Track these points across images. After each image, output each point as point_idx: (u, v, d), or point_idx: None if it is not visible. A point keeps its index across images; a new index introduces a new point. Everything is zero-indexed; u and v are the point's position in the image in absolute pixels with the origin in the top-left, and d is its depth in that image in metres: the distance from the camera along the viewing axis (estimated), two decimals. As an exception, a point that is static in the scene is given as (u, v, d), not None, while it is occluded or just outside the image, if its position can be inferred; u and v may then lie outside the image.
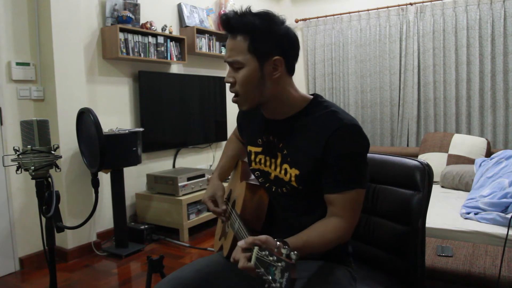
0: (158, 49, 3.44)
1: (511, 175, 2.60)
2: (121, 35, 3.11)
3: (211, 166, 4.27)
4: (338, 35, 4.85)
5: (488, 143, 3.70)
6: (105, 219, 3.22)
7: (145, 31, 3.31)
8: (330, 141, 1.04)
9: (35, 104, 2.79)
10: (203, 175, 3.48)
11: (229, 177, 1.50)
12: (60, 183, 2.78)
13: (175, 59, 3.58)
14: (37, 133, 1.37)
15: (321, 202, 1.09)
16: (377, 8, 4.55)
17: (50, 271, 1.46)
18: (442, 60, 4.27)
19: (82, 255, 2.89)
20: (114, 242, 3.05)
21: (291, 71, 1.12)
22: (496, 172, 2.81)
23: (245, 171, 1.37)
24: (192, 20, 3.90)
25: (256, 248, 0.83)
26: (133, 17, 3.21)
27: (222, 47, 4.16)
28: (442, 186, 3.39)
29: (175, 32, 3.76)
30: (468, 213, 2.46)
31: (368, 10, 4.61)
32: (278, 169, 1.15)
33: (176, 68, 3.86)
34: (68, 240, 2.83)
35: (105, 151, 1.77)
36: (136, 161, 2.99)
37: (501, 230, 2.20)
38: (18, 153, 1.37)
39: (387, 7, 4.49)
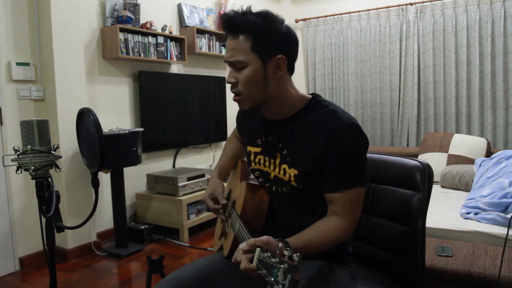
0: (158, 49, 3.44)
1: (511, 175, 2.60)
2: (121, 35, 3.11)
3: (211, 166, 4.27)
4: (338, 35, 4.85)
5: (488, 143, 3.70)
6: (105, 219, 3.22)
7: (145, 31, 3.31)
8: (329, 140, 1.04)
9: (35, 104, 2.79)
10: (203, 175, 3.48)
11: (229, 176, 1.50)
12: (60, 183, 2.78)
13: (175, 59, 3.58)
14: (37, 133, 1.37)
15: (321, 201, 1.09)
16: (377, 8, 4.55)
17: (50, 271, 1.46)
18: (442, 60, 4.27)
19: (82, 255, 2.89)
20: (114, 242, 3.05)
21: (291, 70, 1.13)
22: (496, 172, 2.81)
23: (245, 171, 1.37)
24: (192, 20, 3.90)
25: (258, 250, 0.83)
26: (133, 17, 3.21)
27: (222, 47, 4.16)
28: (442, 186, 3.39)
29: (175, 32, 3.76)
30: (468, 213, 2.46)
31: (368, 10, 4.61)
32: (277, 169, 1.15)
33: (176, 68, 3.86)
34: (68, 240, 2.83)
35: (105, 151, 1.77)
36: (136, 161, 2.99)
37: (501, 230, 2.20)
38: (18, 153, 1.37)
39: (387, 7, 4.49)
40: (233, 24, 1.06)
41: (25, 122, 1.37)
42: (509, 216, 2.23)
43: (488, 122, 4.10)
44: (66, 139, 2.77)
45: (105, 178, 3.12)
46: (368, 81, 4.70)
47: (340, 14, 4.78)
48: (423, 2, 4.32)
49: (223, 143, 4.25)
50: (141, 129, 3.12)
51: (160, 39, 3.45)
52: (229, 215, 1.30)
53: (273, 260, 0.77)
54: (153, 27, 3.37)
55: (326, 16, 4.89)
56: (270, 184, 1.19)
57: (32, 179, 1.40)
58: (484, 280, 1.70)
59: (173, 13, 3.81)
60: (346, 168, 1.04)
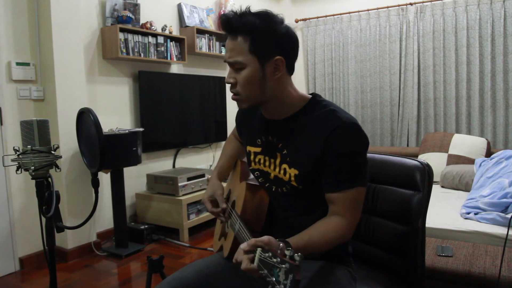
0: (158, 49, 3.44)
1: (511, 175, 2.60)
2: (121, 35, 3.11)
3: (211, 166, 4.27)
4: (338, 35, 4.85)
5: (488, 143, 3.70)
6: (105, 219, 3.22)
7: (145, 31, 3.31)
8: (329, 140, 1.04)
9: (35, 104, 2.79)
10: (203, 175, 3.48)
11: (228, 177, 1.50)
12: (60, 183, 2.78)
13: (175, 59, 3.58)
14: (37, 133, 1.37)
15: (321, 201, 1.09)
16: (377, 8, 4.55)
17: (50, 271, 1.46)
18: (442, 60, 4.27)
19: (82, 255, 2.89)
20: (114, 242, 3.05)
21: (291, 70, 1.12)
22: (496, 172, 2.81)
23: (245, 171, 1.37)
24: (192, 20, 3.90)
25: (259, 250, 0.83)
26: (133, 17, 3.21)
27: (222, 47, 4.16)
28: (442, 186, 3.39)
29: (175, 32, 3.76)
30: (468, 213, 2.46)
31: (368, 10, 4.61)
32: (277, 169, 1.15)
33: (176, 68, 3.86)
34: (68, 240, 2.83)
35: (105, 151, 1.77)
36: (136, 161, 2.99)
37: (501, 230, 2.20)
38: (18, 153, 1.37)
39: (387, 7, 4.49)
40: (231, 25, 1.06)
41: (25, 122, 1.37)
42: (509, 216, 2.23)
43: (488, 122, 4.10)
44: (66, 139, 2.77)
45: (105, 178, 3.12)
46: (368, 81, 4.70)
47: (340, 14, 4.78)
48: (423, 2, 4.32)
49: (223, 143, 4.24)
50: (141, 129, 3.12)
51: (160, 39, 3.45)
52: (229, 216, 1.30)
53: (274, 260, 0.77)
54: (153, 27, 3.37)
55: (326, 16, 4.89)
56: (270, 184, 1.19)
57: (32, 179, 1.40)
58: (484, 280, 1.70)
59: (173, 13, 3.81)
60: (346, 168, 1.04)
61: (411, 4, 4.38)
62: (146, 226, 3.15)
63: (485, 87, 4.10)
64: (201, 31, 3.89)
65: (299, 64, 5.12)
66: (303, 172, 1.09)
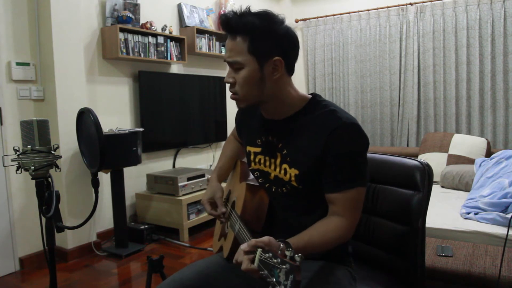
0: (158, 49, 3.44)
1: (511, 175, 2.60)
2: (121, 35, 3.11)
3: (211, 166, 4.27)
4: (338, 35, 4.85)
5: (488, 143, 3.70)
6: (105, 219, 3.22)
7: (145, 31, 3.31)
8: (329, 140, 1.04)
9: (35, 104, 2.79)
10: (203, 175, 3.48)
11: (228, 178, 1.49)
12: (60, 183, 2.78)
13: (175, 59, 3.58)
14: (37, 133, 1.37)
15: (321, 201, 1.09)
16: (377, 8, 4.55)
17: (50, 271, 1.46)
18: (442, 60, 4.27)
19: (82, 255, 2.89)
20: (114, 242, 3.05)
21: (290, 71, 1.12)
22: (496, 172, 2.81)
23: (244, 172, 1.37)
24: (192, 20, 3.90)
25: (259, 250, 0.83)
26: (133, 17, 3.21)
27: (222, 47, 4.16)
28: (442, 186, 3.39)
29: (175, 32, 3.76)
30: (468, 213, 2.46)
31: (368, 10, 4.61)
32: (278, 169, 1.15)
33: (176, 68, 3.86)
34: (68, 240, 2.83)
35: (105, 151, 1.77)
36: (136, 161, 2.99)
37: (501, 230, 2.20)
38: (18, 153, 1.37)
39: (387, 7, 4.49)
40: (231, 25, 1.06)
41: (25, 122, 1.37)
42: (509, 216, 2.23)
43: (488, 122, 4.10)
44: (66, 139, 2.77)
45: (105, 178, 3.12)
46: (368, 81, 4.70)
47: (340, 14, 4.78)
48: (423, 2, 4.32)
49: (223, 143, 4.25)
50: (141, 129, 3.12)
51: (160, 39, 3.45)
52: (228, 216, 1.30)
53: (275, 260, 0.77)
54: (153, 27, 3.37)
55: (326, 16, 4.89)
56: (270, 184, 1.19)
57: (32, 179, 1.40)
58: (484, 280, 1.70)
59: (173, 13, 3.81)
60: (346, 168, 1.04)
61: (411, 4, 4.38)
62: (146, 226, 3.15)
63: (485, 87, 4.10)
64: (201, 31, 3.89)
65: (299, 64, 5.11)
66: (304, 172, 1.09)
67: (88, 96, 3.02)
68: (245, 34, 1.05)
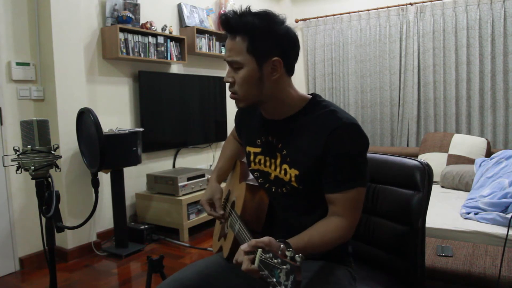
0: (158, 49, 3.44)
1: (511, 175, 2.60)
2: (121, 35, 3.11)
3: (211, 166, 4.27)
4: (338, 35, 4.85)
5: (488, 143, 3.70)
6: (105, 219, 3.22)
7: (145, 31, 3.31)
8: (330, 140, 1.04)
9: (35, 104, 2.79)
10: (203, 175, 3.48)
11: (228, 178, 1.49)
12: (60, 183, 2.78)
13: (175, 59, 3.58)
14: (37, 133, 1.37)
15: (321, 202, 1.09)
16: (377, 8, 4.55)
17: (50, 271, 1.46)
18: (442, 60, 4.27)
19: (82, 255, 2.89)
20: (114, 242, 3.05)
21: (290, 71, 1.12)
22: (496, 172, 2.81)
23: (244, 172, 1.36)
24: (192, 20, 3.90)
25: (259, 251, 0.83)
26: (133, 17, 3.21)
27: (222, 47, 4.16)
28: (442, 186, 3.39)
29: (175, 32, 3.76)
30: (468, 213, 2.46)
31: (368, 10, 4.61)
32: (278, 170, 1.15)
33: (176, 68, 3.86)
34: (68, 240, 2.83)
35: (105, 151, 1.77)
36: (136, 161, 2.99)
37: (501, 230, 2.20)
38: (18, 153, 1.37)
39: (387, 7, 4.49)
40: (231, 25, 1.06)
41: (25, 122, 1.37)
42: (509, 216, 2.23)
43: (488, 122, 4.10)
44: (66, 139, 2.77)
45: (105, 178, 3.12)
46: (368, 81, 4.70)
47: (340, 14, 4.78)
48: (423, 2, 4.32)
49: (223, 143, 4.25)
50: (141, 129, 3.12)
51: (160, 39, 3.45)
52: (228, 216, 1.30)
53: (275, 261, 0.77)
54: (153, 27, 3.37)
55: (326, 16, 4.89)
56: (269, 184, 1.19)
57: (32, 179, 1.40)
58: (484, 280, 1.70)
59: (173, 13, 3.81)
60: (347, 168, 1.04)
61: (411, 4, 4.38)
62: (146, 226, 3.15)
63: (485, 87, 4.10)
64: (201, 31, 3.89)
65: (299, 64, 5.08)
66: (304, 172, 1.09)
67: (88, 96, 3.02)
68: (244, 34, 1.05)
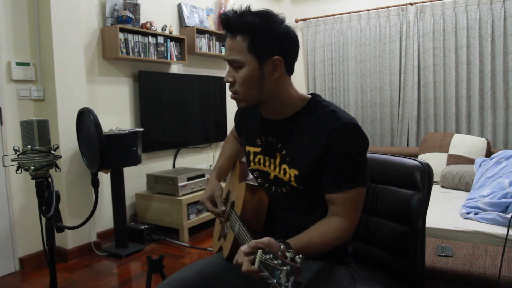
0: (158, 49, 3.44)
1: (511, 175, 2.60)
2: (121, 35, 3.11)
3: (211, 166, 4.27)
4: (338, 35, 4.85)
5: (488, 143, 3.70)
6: (105, 219, 3.22)
7: (145, 31, 3.31)
8: (329, 140, 1.04)
9: (35, 104, 2.79)
10: (203, 175, 3.48)
11: (227, 177, 1.49)
12: (60, 183, 2.78)
13: (175, 59, 3.58)
14: (37, 133, 1.37)
15: (321, 202, 1.09)
16: (377, 8, 4.55)
17: (50, 271, 1.46)
18: (442, 60, 4.27)
19: (82, 255, 2.89)
20: (114, 242, 3.05)
21: (290, 70, 1.12)
22: (496, 172, 2.81)
23: (244, 172, 1.36)
24: (192, 20, 3.90)
25: (259, 251, 0.83)
26: (133, 17, 3.21)
27: (222, 47, 4.16)
28: (442, 186, 3.39)
29: (175, 32, 3.76)
30: (468, 213, 2.46)
31: (368, 10, 4.61)
32: (277, 170, 1.15)
33: (176, 68, 3.86)
34: (68, 240, 2.83)
35: (105, 151, 1.77)
36: (136, 161, 2.99)
37: (501, 230, 2.20)
38: (18, 153, 1.37)
39: (387, 7, 4.49)
40: (231, 24, 1.06)
41: (25, 122, 1.37)
42: (509, 216, 2.23)
43: (488, 122, 4.10)
44: (66, 139, 2.77)
45: (105, 178, 3.12)
46: (368, 81, 4.70)
47: (340, 14, 4.78)
48: (423, 2, 4.32)
49: (223, 142, 4.25)
50: (141, 129, 3.12)
51: (160, 39, 3.45)
52: (228, 216, 1.30)
53: (275, 262, 0.77)
54: (153, 27, 3.37)
55: (326, 16, 4.89)
56: (269, 184, 1.19)
57: (32, 179, 1.40)
58: (484, 280, 1.70)
59: (173, 13, 3.81)
60: (346, 168, 1.04)
61: (411, 4, 4.38)
62: (146, 226, 3.15)
63: (485, 87, 4.10)
64: (201, 31, 3.89)
65: (299, 64, 5.12)
66: (303, 172, 1.09)
67: (88, 96, 3.02)
68: (245, 33, 1.05)
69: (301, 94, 1.15)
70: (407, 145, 4.54)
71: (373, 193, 1.41)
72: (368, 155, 1.10)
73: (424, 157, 3.78)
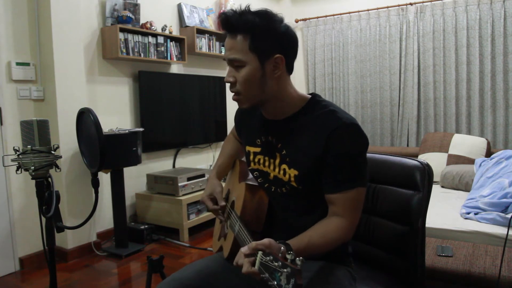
0: (158, 49, 3.44)
1: (511, 175, 2.60)
2: (121, 35, 3.11)
3: (211, 166, 4.27)
4: (338, 35, 4.85)
5: (488, 143, 3.70)
6: (105, 219, 3.22)
7: (145, 31, 3.31)
8: (329, 140, 1.04)
9: (35, 104, 2.79)
10: (203, 175, 3.48)
11: (226, 176, 1.49)
12: (60, 183, 2.78)
13: (175, 59, 3.58)
14: (37, 133, 1.37)
15: (321, 202, 1.09)
16: (377, 8, 4.55)
17: (50, 271, 1.46)
18: (442, 60, 4.27)
19: (82, 255, 2.89)
20: (114, 242, 3.05)
21: (290, 70, 1.12)
22: (496, 172, 2.81)
23: (243, 172, 1.36)
24: (192, 20, 3.90)
25: (260, 253, 0.82)
26: (133, 17, 3.21)
27: (222, 47, 4.16)
28: (442, 186, 3.39)
29: (175, 32, 3.76)
30: (468, 213, 2.46)
31: (368, 10, 4.61)
32: (277, 170, 1.15)
33: (176, 68, 3.86)
34: (68, 240, 2.83)
35: (105, 151, 1.77)
36: (136, 161, 2.99)
37: (501, 230, 2.20)
38: (18, 153, 1.37)
39: (387, 7, 4.49)
40: (231, 23, 1.06)
41: (25, 122, 1.37)
42: (509, 216, 2.23)
43: (488, 122, 4.10)
44: (66, 139, 2.77)
45: (105, 178, 3.12)
46: (368, 81, 4.70)
47: (340, 14, 4.78)
48: (423, 2, 4.32)
49: (223, 142, 4.24)
50: (141, 129, 3.12)
51: (160, 39, 3.45)
52: (228, 216, 1.29)
53: (276, 264, 0.77)
54: (153, 27, 3.37)
55: (326, 16, 4.89)
56: (269, 184, 1.19)
57: (32, 179, 1.40)
58: (484, 280, 1.70)
59: (173, 13, 3.81)
60: (346, 168, 1.04)
61: (411, 4, 4.38)
62: (146, 226, 3.15)
63: (485, 87, 4.10)
64: (201, 31, 3.89)
65: (299, 64, 5.12)
66: (303, 172, 1.09)
67: (88, 96, 3.02)
68: (245, 32, 1.05)
69: (301, 94, 1.15)
70: (407, 145, 4.54)
71: (373, 193, 1.41)
72: (368, 155, 1.10)
73: (424, 157, 3.78)
